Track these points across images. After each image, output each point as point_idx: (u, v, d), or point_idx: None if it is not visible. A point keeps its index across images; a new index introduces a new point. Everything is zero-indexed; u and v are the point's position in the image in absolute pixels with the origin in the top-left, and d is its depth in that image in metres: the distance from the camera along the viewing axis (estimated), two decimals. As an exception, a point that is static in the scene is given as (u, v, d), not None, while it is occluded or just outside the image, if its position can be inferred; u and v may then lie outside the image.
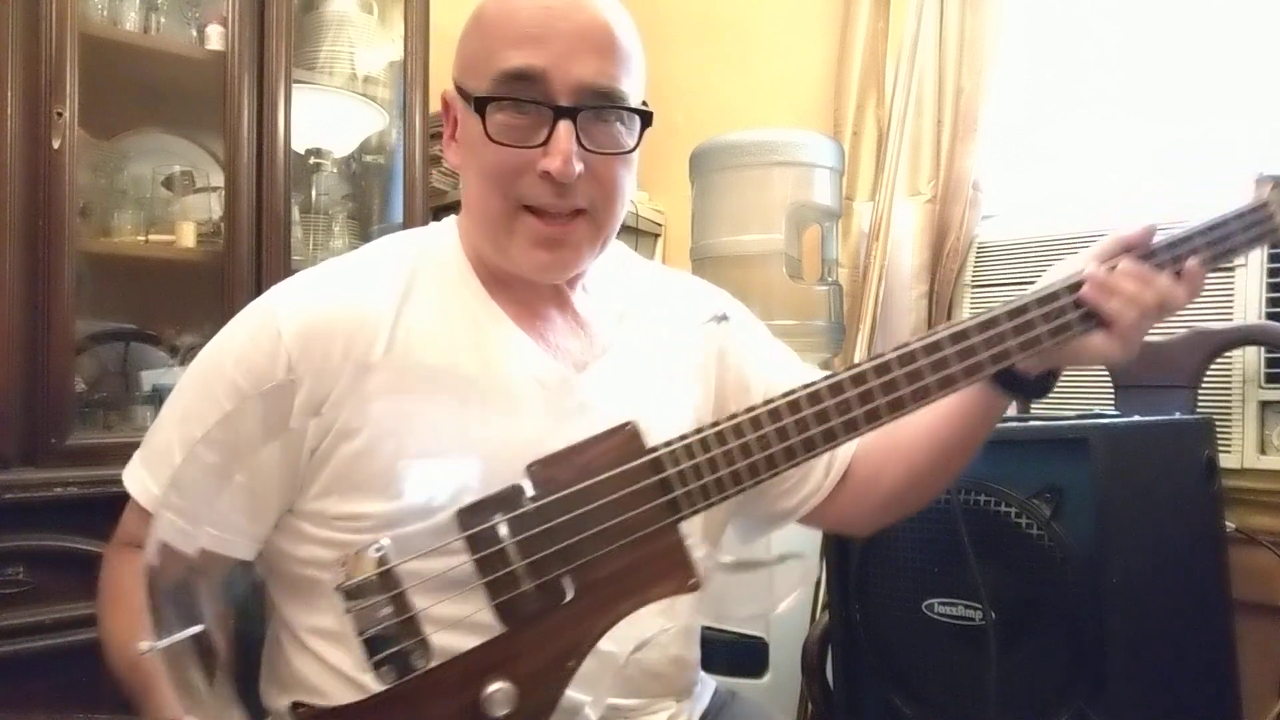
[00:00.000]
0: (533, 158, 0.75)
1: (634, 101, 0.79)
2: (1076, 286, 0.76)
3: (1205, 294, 1.51)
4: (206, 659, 0.65)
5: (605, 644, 0.67)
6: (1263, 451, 1.47)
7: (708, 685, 0.94)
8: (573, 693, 0.69)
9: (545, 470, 0.67)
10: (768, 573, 0.76)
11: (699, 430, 0.70)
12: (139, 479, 0.79)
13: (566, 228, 0.78)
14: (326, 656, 0.76)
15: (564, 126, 0.74)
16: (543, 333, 0.83)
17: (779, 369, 0.94)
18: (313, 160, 1.87)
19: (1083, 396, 1.64)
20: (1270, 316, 1.47)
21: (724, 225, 1.93)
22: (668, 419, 0.85)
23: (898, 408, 0.72)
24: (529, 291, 0.84)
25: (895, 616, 1.29)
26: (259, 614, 0.86)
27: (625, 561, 0.67)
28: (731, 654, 1.60)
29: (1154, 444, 1.27)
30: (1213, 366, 1.44)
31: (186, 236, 1.62)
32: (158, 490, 0.77)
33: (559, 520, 0.66)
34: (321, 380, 0.74)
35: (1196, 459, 1.33)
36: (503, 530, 0.66)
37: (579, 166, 0.75)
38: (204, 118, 1.67)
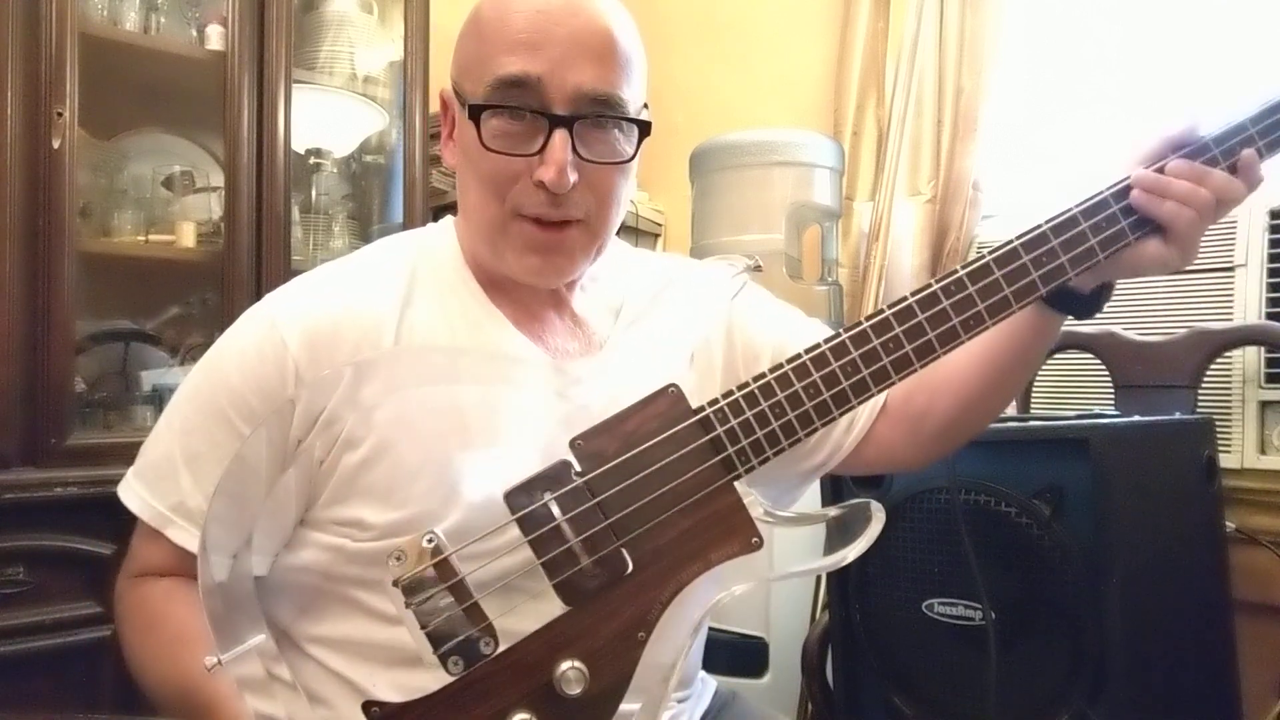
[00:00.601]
0: (528, 165, 0.74)
1: (634, 107, 0.77)
2: (1125, 192, 0.72)
3: (1205, 294, 1.53)
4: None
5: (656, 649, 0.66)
6: (1263, 451, 1.47)
7: (708, 685, 0.94)
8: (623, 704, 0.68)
9: (590, 443, 0.66)
10: (831, 523, 0.73)
11: (744, 385, 0.68)
12: (138, 495, 0.77)
13: (560, 234, 0.77)
14: (329, 663, 0.76)
15: (559, 136, 0.72)
16: (541, 334, 0.83)
17: (788, 330, 0.91)
18: (313, 160, 1.87)
19: (1083, 396, 1.64)
20: (1270, 316, 1.47)
21: (724, 225, 1.93)
22: None
23: (950, 339, 0.69)
24: (526, 294, 0.84)
25: (895, 616, 1.29)
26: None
27: (684, 527, 0.66)
28: (731, 654, 1.61)
29: (1154, 444, 1.27)
30: (1213, 366, 1.44)
31: (186, 236, 1.62)
32: (161, 506, 0.76)
33: (610, 493, 0.65)
34: (326, 388, 0.73)
35: (1196, 459, 1.33)
36: (554, 509, 0.65)
37: (574, 176, 0.73)
38: (204, 118, 1.67)
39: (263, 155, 1.60)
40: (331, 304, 0.78)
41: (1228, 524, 1.39)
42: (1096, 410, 1.39)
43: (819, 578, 1.65)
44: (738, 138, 1.91)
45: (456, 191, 0.83)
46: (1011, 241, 0.71)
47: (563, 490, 0.65)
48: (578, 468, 0.66)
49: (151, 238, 1.62)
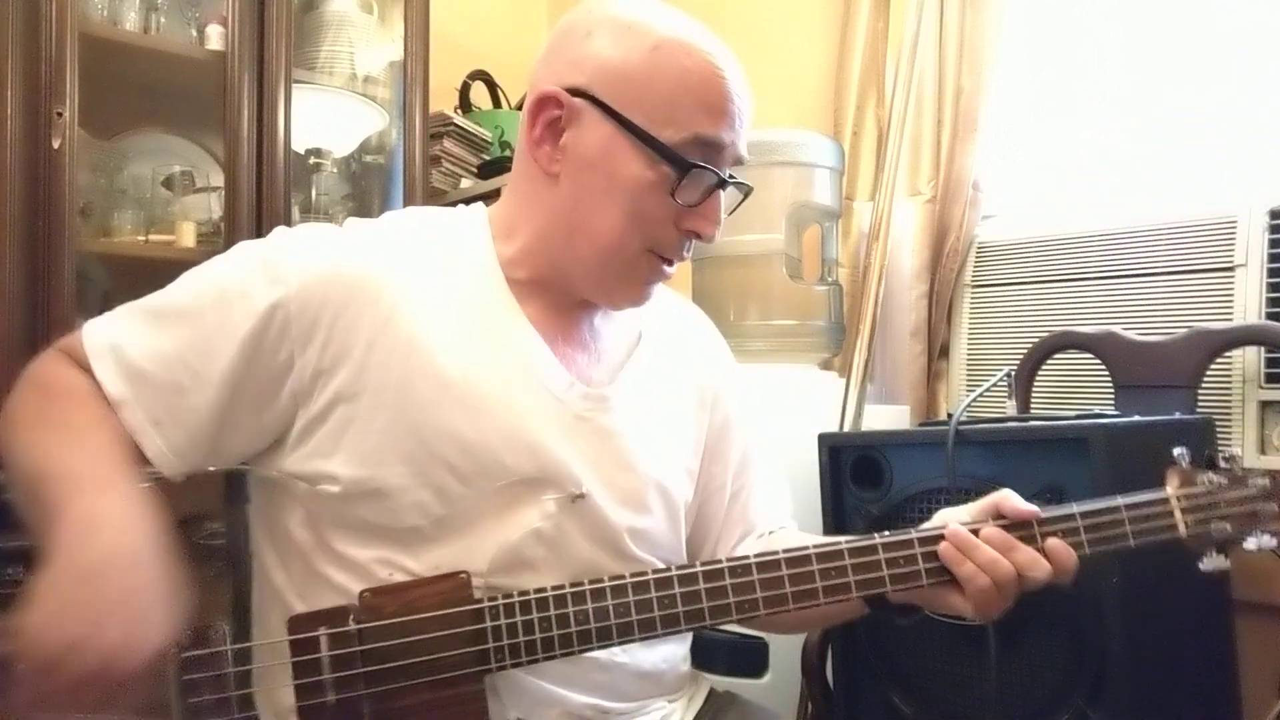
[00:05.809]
0: (677, 210, 0.79)
1: None
2: (937, 539, 0.76)
3: (1205, 294, 1.53)
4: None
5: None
6: (1263, 451, 1.47)
7: (702, 685, 0.94)
8: (551, 686, 0.73)
9: (375, 599, 0.71)
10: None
11: (541, 590, 0.71)
12: (101, 334, 0.77)
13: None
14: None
15: (723, 197, 0.80)
16: (559, 343, 0.83)
17: (743, 442, 0.97)
18: (313, 160, 1.87)
19: (1083, 396, 1.64)
20: (1270, 316, 1.46)
21: (724, 225, 1.92)
22: (670, 447, 0.88)
23: (721, 615, 0.73)
24: (555, 299, 0.84)
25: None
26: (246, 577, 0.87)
27: (425, 698, 0.70)
28: (731, 654, 1.60)
29: (1154, 444, 1.27)
30: (1213, 366, 1.43)
31: (186, 236, 1.62)
32: (103, 344, 0.76)
33: (372, 645, 0.70)
34: (330, 338, 0.74)
35: (1197, 459, 1.32)
36: (323, 643, 0.69)
37: None
38: (204, 118, 1.67)
39: (263, 155, 1.60)
40: (345, 258, 0.78)
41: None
42: (1096, 410, 1.38)
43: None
44: (738, 138, 1.91)
45: (560, 201, 0.81)
46: (817, 546, 0.74)
47: (334, 630, 0.70)
48: (356, 615, 0.70)
49: (151, 238, 1.63)
